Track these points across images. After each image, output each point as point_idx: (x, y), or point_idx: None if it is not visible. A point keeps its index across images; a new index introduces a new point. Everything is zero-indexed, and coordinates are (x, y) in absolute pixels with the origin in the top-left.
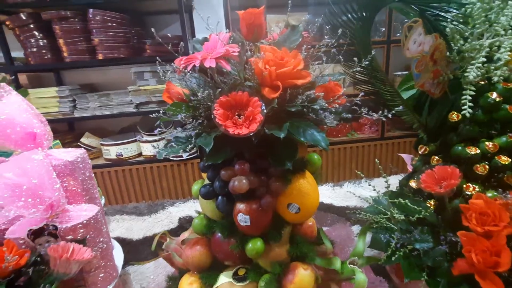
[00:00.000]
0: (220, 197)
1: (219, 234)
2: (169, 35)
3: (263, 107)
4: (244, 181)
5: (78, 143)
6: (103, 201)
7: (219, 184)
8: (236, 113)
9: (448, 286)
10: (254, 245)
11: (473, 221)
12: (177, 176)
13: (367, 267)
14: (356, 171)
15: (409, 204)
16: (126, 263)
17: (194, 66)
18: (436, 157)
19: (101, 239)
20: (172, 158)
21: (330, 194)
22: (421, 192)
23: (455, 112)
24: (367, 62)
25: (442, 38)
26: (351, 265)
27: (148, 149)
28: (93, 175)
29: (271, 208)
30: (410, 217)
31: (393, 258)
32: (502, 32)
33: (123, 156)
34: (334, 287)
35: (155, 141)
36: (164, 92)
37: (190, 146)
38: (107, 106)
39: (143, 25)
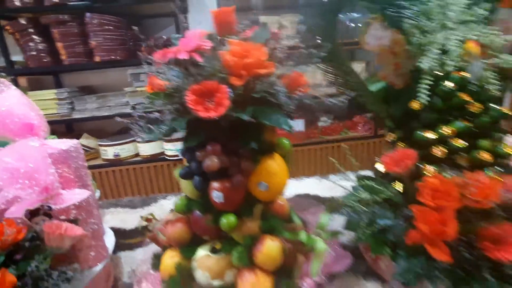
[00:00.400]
0: (197, 177)
1: (197, 211)
2: (164, 37)
3: (231, 93)
4: (215, 160)
5: None
6: (98, 194)
7: (195, 164)
8: (207, 100)
9: (407, 258)
10: (228, 220)
11: (426, 197)
12: (173, 176)
13: (335, 242)
14: (332, 159)
15: (374, 185)
16: (118, 248)
17: (171, 58)
18: (401, 143)
19: (92, 221)
20: (168, 158)
21: (317, 186)
22: (388, 175)
23: (416, 101)
24: (325, 54)
25: (401, 33)
26: (315, 236)
27: (145, 149)
28: (86, 164)
29: (242, 186)
30: (375, 196)
31: (362, 237)
32: (454, 26)
33: (121, 156)
34: (301, 257)
35: (152, 141)
36: (148, 85)
37: (167, 128)
38: (105, 108)
39: (140, 28)
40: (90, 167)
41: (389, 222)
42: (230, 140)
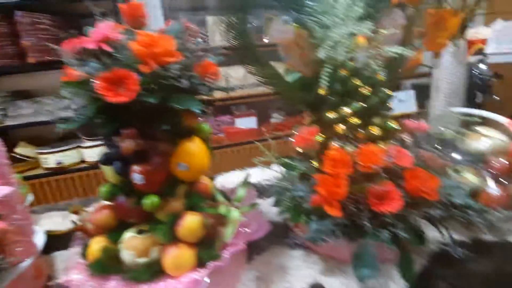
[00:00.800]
0: (117, 162)
1: (121, 196)
2: None
3: (140, 80)
4: (131, 142)
5: (12, 154)
6: (30, 199)
7: (115, 150)
8: (118, 86)
9: (317, 222)
10: (150, 200)
11: (327, 166)
12: None
13: (259, 214)
14: (257, 142)
15: (291, 162)
16: (53, 249)
17: (81, 48)
18: (315, 125)
19: (16, 217)
20: None
21: (258, 175)
22: (306, 154)
23: (322, 87)
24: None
25: (303, 28)
26: (233, 209)
27: (91, 155)
28: (7, 161)
29: (162, 167)
30: (293, 172)
31: (285, 210)
32: (343, 22)
33: (64, 164)
34: (220, 229)
35: (97, 146)
36: (64, 76)
37: (83, 117)
38: (43, 112)
39: (80, 28)
40: (28, 178)
41: (303, 193)
42: (148, 125)
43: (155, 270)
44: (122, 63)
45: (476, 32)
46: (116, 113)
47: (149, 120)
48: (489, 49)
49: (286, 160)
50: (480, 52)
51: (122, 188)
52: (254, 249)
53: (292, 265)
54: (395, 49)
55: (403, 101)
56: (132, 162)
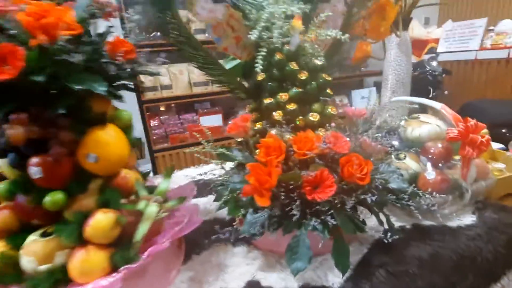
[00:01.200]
0: (11, 153)
1: (20, 194)
2: None
3: (27, 55)
4: (19, 129)
5: None
6: None
7: (4, 139)
8: (3, 64)
9: (252, 214)
10: (53, 198)
11: (261, 154)
12: None
13: (191, 209)
14: (196, 133)
15: (226, 152)
16: None
17: None
18: (255, 113)
19: None
20: None
21: (211, 171)
22: (246, 144)
23: (259, 72)
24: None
25: (236, 8)
26: (152, 202)
27: None
28: None
29: (63, 158)
30: (230, 163)
31: (223, 204)
32: (275, 3)
33: None
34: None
35: None
36: None
37: None
38: None
39: None
40: None
41: (239, 185)
42: (44, 109)
43: (59, 278)
44: (10, 37)
45: (429, 32)
46: (3, 95)
47: (43, 103)
48: (440, 48)
49: (223, 150)
50: (432, 50)
51: (21, 184)
52: (193, 248)
53: (231, 262)
54: (330, 33)
55: (365, 98)
56: (29, 153)
